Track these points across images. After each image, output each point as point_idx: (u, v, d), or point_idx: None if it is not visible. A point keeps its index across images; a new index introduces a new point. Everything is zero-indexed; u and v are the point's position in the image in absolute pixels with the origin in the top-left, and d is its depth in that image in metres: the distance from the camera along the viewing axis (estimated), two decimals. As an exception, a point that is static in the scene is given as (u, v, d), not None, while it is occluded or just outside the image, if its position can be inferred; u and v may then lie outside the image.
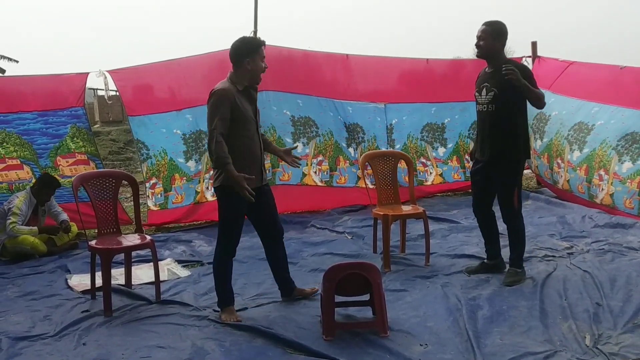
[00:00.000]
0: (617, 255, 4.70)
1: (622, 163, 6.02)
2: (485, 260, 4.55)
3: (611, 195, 6.11)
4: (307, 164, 6.80)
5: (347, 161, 6.97)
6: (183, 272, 4.74)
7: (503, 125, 4.17)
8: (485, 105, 4.23)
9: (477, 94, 4.33)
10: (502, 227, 4.48)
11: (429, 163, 7.58)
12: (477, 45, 4.23)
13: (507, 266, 4.37)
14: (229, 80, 3.64)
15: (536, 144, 7.25)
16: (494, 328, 3.45)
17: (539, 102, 4.14)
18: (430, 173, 7.56)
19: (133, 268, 4.51)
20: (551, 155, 7.01)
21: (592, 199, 6.38)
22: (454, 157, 7.69)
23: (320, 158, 6.84)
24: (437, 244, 5.29)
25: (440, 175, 7.65)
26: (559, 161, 6.94)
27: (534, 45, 7.46)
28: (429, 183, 7.57)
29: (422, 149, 7.54)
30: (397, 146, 7.37)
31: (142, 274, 4.64)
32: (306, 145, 6.79)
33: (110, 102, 7.88)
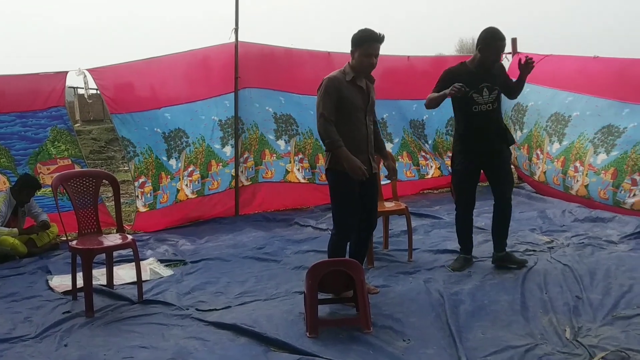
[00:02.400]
0: (597, 248, 4.77)
1: (597, 155, 6.14)
2: (467, 255, 4.60)
3: (586, 186, 6.23)
4: (290, 162, 6.80)
5: None
6: (166, 272, 4.72)
7: (501, 118, 4.51)
8: (489, 104, 4.31)
9: (476, 95, 4.29)
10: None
11: (428, 157, 7.68)
12: (500, 55, 4.37)
13: (498, 253, 4.50)
14: (343, 69, 3.76)
15: (516, 135, 7.34)
16: (476, 322, 3.49)
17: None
18: (431, 167, 7.69)
19: (115, 268, 4.47)
20: (531, 146, 7.10)
21: (567, 191, 6.48)
22: (435, 153, 7.74)
23: (300, 156, 6.85)
24: (420, 239, 5.32)
25: (439, 168, 7.79)
26: (539, 152, 7.05)
27: (514, 41, 7.54)
28: (429, 177, 7.71)
29: (417, 144, 7.63)
30: (396, 140, 7.49)
31: (124, 274, 4.60)
32: (288, 143, 6.79)
33: (90, 100, 7.77)
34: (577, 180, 6.37)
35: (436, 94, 4.27)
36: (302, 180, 6.87)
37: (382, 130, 7.27)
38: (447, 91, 4.09)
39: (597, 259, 4.46)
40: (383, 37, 3.68)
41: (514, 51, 7.48)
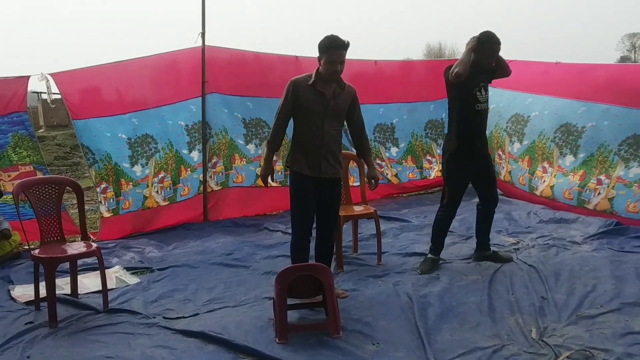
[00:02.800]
0: (561, 249, 4.88)
1: (564, 156, 6.27)
2: (437, 257, 4.66)
3: (552, 187, 6.37)
4: (260, 165, 6.74)
5: None
6: (132, 280, 4.63)
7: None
8: (485, 104, 4.44)
9: (477, 92, 4.38)
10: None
11: (383, 164, 7.65)
12: (496, 57, 4.43)
13: (485, 252, 4.69)
14: (310, 73, 3.87)
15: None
16: (444, 324, 3.52)
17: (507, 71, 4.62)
18: (386, 174, 7.63)
19: (79, 277, 4.37)
20: (492, 147, 7.24)
21: (532, 191, 6.62)
22: (409, 157, 7.78)
23: (274, 158, 6.77)
24: (389, 243, 5.35)
25: (396, 175, 7.72)
26: (500, 152, 7.21)
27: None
28: (385, 184, 7.60)
29: (376, 150, 7.61)
30: (351, 148, 7.37)
31: (89, 282, 4.50)
32: (259, 146, 6.74)
33: (53, 106, 7.56)
34: (544, 181, 6.51)
35: (462, 57, 4.29)
36: (274, 184, 6.81)
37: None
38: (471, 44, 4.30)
39: (562, 260, 4.56)
40: (348, 43, 3.72)
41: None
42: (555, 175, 6.37)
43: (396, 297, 3.94)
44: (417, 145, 7.86)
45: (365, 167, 4.26)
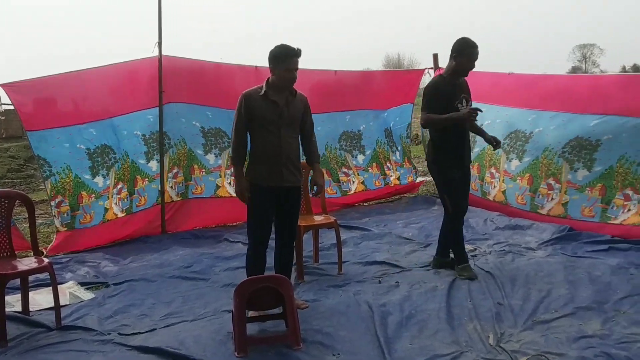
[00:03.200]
0: (517, 255, 4.97)
1: (510, 161, 6.46)
2: (449, 260, 4.73)
3: (503, 192, 6.52)
4: (220, 176, 6.69)
5: None
6: (86, 295, 4.50)
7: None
8: None
9: (459, 105, 4.43)
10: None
11: (350, 172, 7.68)
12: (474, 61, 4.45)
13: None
14: (261, 85, 3.89)
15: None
16: (404, 332, 3.54)
17: None
18: (353, 182, 7.65)
19: (31, 293, 4.21)
20: None
21: (485, 196, 6.76)
22: (374, 164, 7.82)
23: (232, 170, 6.71)
24: (350, 252, 5.35)
25: (362, 183, 7.75)
26: None
27: (435, 57, 7.78)
28: (352, 192, 7.64)
29: (342, 159, 7.63)
30: (368, 152, 7.61)
31: (42, 299, 4.35)
32: (218, 156, 6.67)
33: (3, 117, 7.31)
34: (495, 186, 6.67)
35: (440, 117, 4.34)
36: (233, 194, 6.74)
37: None
38: (462, 115, 4.30)
39: (517, 266, 4.65)
40: (300, 51, 3.80)
41: (436, 66, 7.72)
42: (503, 180, 6.54)
43: (356, 307, 3.94)
44: (380, 152, 7.93)
45: (311, 172, 4.24)
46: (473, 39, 4.43)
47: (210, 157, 6.65)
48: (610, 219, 5.50)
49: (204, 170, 6.60)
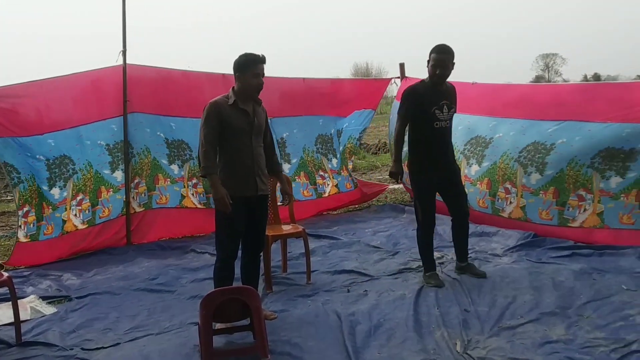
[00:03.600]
0: (483, 262, 5.03)
1: (470, 166, 6.57)
2: (435, 272, 4.68)
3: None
4: (184, 186, 6.60)
5: None
6: (48, 310, 4.37)
7: (451, 138, 4.68)
8: (447, 121, 4.52)
9: (437, 111, 4.44)
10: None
11: (326, 175, 7.71)
12: (444, 70, 4.40)
13: (461, 263, 4.78)
14: (227, 94, 3.84)
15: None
16: (372, 342, 3.54)
17: None
18: (328, 185, 7.69)
19: (-11, 309, 4.09)
20: None
21: None
22: (301, 173, 7.72)
23: (194, 181, 6.65)
24: (318, 261, 5.33)
25: (336, 186, 7.81)
26: None
27: (401, 66, 7.86)
28: (326, 195, 7.68)
29: (319, 162, 7.66)
30: (294, 160, 7.43)
31: (1, 314, 4.21)
32: (181, 167, 6.59)
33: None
34: None
35: (398, 146, 4.58)
36: (199, 205, 6.68)
37: (280, 150, 7.25)
38: (394, 169, 4.61)
39: (484, 272, 4.69)
40: (265, 57, 3.81)
41: (402, 75, 7.80)
42: (464, 184, 6.62)
43: (325, 316, 3.93)
44: (348, 147, 8.03)
45: (278, 183, 4.26)
46: (430, 46, 4.46)
47: (174, 167, 6.56)
48: (569, 222, 5.61)
49: (168, 179, 6.50)
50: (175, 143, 6.53)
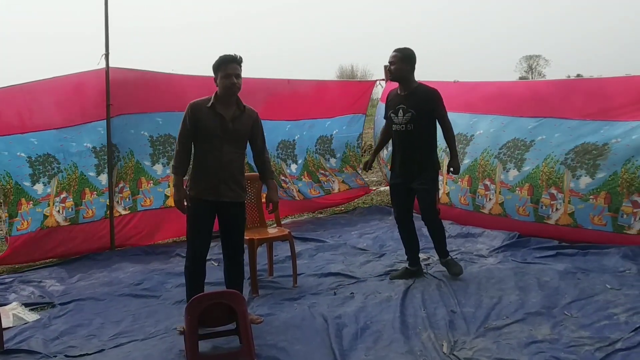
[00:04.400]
0: (469, 263, 5.05)
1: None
2: (408, 267, 4.81)
3: (447, 194, 6.68)
4: (168, 185, 6.54)
5: None
6: (31, 317, 4.30)
7: (421, 142, 4.66)
8: (403, 125, 4.61)
9: (392, 115, 4.66)
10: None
11: (327, 173, 7.89)
12: (389, 70, 4.69)
13: (440, 259, 4.84)
14: (209, 96, 3.83)
15: (383, 154, 7.73)
16: (359, 344, 3.53)
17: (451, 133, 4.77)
18: (333, 181, 7.94)
19: (-30, 317, 4.01)
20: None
21: None
22: (305, 173, 7.76)
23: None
24: (305, 264, 5.32)
25: (343, 182, 8.04)
26: None
27: (386, 68, 7.88)
28: (336, 191, 7.92)
29: (318, 162, 7.87)
30: (299, 161, 7.65)
31: (-17, 322, 4.14)
32: (166, 165, 6.54)
33: None
34: (439, 189, 6.80)
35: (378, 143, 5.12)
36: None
37: (290, 151, 7.55)
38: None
39: (469, 273, 4.73)
40: (240, 58, 3.80)
41: (387, 77, 7.83)
42: (446, 182, 6.67)
43: (312, 320, 3.91)
44: (309, 161, 7.88)
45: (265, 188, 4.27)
46: (418, 50, 4.66)
47: (158, 168, 6.52)
48: (544, 219, 5.66)
49: (151, 182, 6.47)
50: (161, 139, 6.49)
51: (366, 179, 9.07)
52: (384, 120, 4.98)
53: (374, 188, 8.82)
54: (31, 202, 5.62)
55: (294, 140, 7.72)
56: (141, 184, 6.39)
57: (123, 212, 6.25)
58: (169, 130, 6.50)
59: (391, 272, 4.91)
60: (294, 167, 7.71)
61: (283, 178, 7.46)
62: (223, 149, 3.78)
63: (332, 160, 8.04)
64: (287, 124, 7.61)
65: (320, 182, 7.83)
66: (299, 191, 7.57)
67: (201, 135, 3.78)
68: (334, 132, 8.07)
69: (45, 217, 5.72)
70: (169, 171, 6.49)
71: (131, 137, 6.29)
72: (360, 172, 8.31)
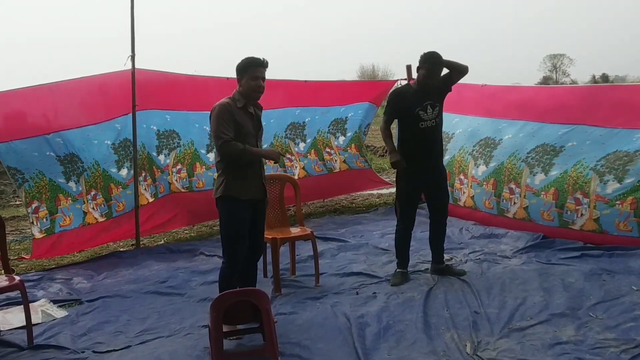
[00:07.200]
0: (492, 264, 5.02)
1: (477, 167, 6.58)
2: (406, 270, 4.81)
3: (472, 197, 6.64)
4: (169, 174, 6.72)
5: (204, 167, 7.02)
6: (59, 313, 4.40)
7: (441, 135, 4.73)
8: (433, 121, 4.58)
9: (421, 112, 4.53)
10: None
11: (332, 152, 8.21)
12: (434, 80, 4.53)
13: (440, 265, 4.84)
14: (232, 97, 3.83)
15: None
16: (382, 344, 3.54)
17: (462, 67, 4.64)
18: (336, 160, 8.20)
19: (1, 312, 4.14)
20: None
21: (456, 202, 6.83)
22: (312, 151, 8.08)
23: (179, 166, 6.80)
24: (327, 263, 5.34)
25: (344, 161, 8.30)
26: None
27: (408, 68, 7.83)
28: (337, 170, 8.19)
29: (327, 140, 8.20)
30: (308, 140, 8.04)
31: (12, 318, 4.25)
32: (168, 156, 6.73)
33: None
34: (464, 192, 6.79)
35: (388, 140, 4.65)
36: (183, 190, 6.79)
37: (299, 131, 7.94)
38: (393, 158, 4.59)
39: (493, 274, 4.70)
40: (267, 62, 3.83)
41: (409, 77, 7.79)
42: (471, 186, 6.63)
43: (334, 319, 3.93)
44: (319, 140, 8.19)
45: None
46: (442, 50, 4.54)
47: (161, 158, 6.69)
48: (569, 224, 5.59)
49: (159, 170, 6.62)
50: (166, 133, 6.70)
51: (387, 179, 9.10)
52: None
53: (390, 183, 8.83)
54: (69, 197, 5.77)
55: (303, 122, 8.04)
56: (155, 173, 6.58)
57: (150, 199, 6.46)
58: (174, 127, 6.77)
59: (413, 272, 4.90)
60: (302, 145, 8.07)
61: (289, 157, 7.81)
62: (258, 147, 3.92)
63: (341, 139, 8.36)
64: (296, 109, 7.91)
65: (324, 161, 8.15)
66: (303, 168, 7.89)
67: (240, 135, 3.75)
68: (350, 114, 8.40)
69: (85, 213, 5.90)
70: (169, 160, 6.67)
71: (143, 131, 6.43)
72: (365, 155, 8.61)
